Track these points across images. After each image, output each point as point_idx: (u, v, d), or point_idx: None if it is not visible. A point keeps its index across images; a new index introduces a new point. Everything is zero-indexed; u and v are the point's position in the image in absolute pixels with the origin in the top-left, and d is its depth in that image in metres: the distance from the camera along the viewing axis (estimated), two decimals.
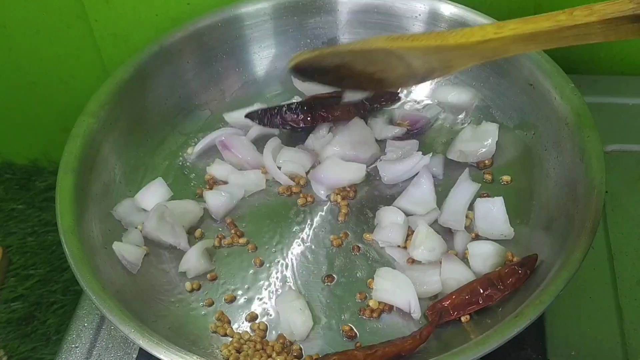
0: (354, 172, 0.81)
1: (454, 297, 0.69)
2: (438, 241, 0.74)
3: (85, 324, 0.77)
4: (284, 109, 0.84)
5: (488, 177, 0.81)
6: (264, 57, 0.92)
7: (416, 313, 0.70)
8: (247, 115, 0.85)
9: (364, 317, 0.71)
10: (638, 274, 0.77)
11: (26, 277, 1.26)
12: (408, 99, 0.90)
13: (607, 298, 0.75)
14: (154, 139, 0.86)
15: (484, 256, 0.73)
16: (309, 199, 0.81)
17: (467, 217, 0.77)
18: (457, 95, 0.88)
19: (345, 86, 0.76)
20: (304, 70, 0.75)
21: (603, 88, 0.95)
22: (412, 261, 0.74)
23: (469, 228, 0.77)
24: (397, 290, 0.70)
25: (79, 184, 0.74)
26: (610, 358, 0.70)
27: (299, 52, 0.74)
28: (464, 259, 0.74)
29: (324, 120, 0.85)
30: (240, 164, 0.85)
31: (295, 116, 0.84)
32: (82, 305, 0.79)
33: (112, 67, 1.05)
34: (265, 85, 0.93)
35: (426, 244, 0.73)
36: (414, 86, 0.88)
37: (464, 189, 0.78)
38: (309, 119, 0.84)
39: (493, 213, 0.76)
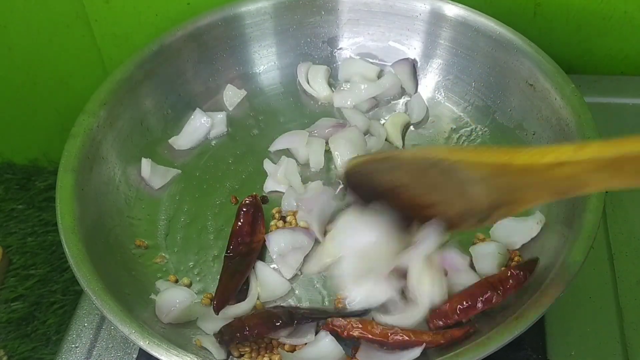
0: None
1: (453, 301, 0.68)
2: (442, 275, 0.71)
3: (85, 324, 0.77)
4: None
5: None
6: (264, 56, 0.92)
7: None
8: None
9: None
10: (638, 274, 0.77)
11: (26, 277, 1.26)
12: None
13: (607, 298, 0.74)
14: (154, 138, 0.86)
15: (489, 257, 0.72)
16: None
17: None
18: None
19: (398, 215, 0.67)
20: (358, 184, 0.67)
21: (603, 88, 0.95)
22: None
23: None
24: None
25: (79, 184, 0.74)
26: (610, 358, 0.70)
27: (353, 157, 0.67)
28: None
29: None
30: None
31: None
32: (82, 305, 0.79)
33: (112, 67, 1.05)
34: (266, 85, 0.93)
35: (442, 286, 0.69)
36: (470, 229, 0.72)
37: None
38: None
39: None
